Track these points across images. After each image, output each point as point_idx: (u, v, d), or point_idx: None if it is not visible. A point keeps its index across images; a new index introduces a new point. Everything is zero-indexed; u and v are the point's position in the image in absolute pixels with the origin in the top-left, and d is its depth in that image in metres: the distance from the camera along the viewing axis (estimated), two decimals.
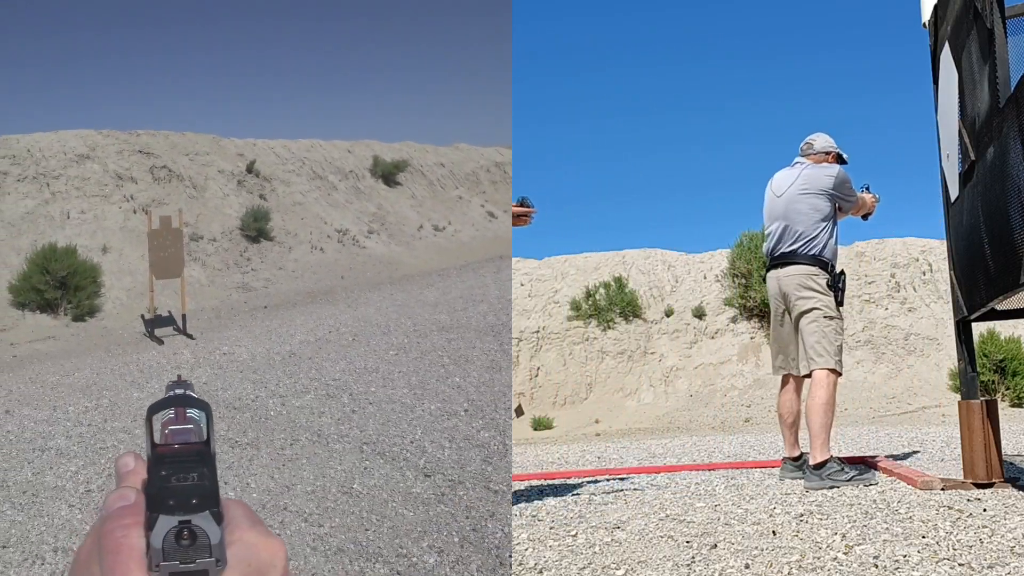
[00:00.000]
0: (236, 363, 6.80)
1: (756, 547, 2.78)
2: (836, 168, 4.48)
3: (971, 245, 3.59)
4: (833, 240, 4.42)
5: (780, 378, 4.61)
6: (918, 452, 5.85)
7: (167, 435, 0.58)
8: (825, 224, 4.39)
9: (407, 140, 20.11)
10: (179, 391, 0.66)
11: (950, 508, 3.21)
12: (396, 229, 15.79)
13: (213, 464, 0.56)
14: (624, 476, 5.08)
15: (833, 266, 4.38)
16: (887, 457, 5.20)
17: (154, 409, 0.58)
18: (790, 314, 4.45)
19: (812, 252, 4.36)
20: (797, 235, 4.41)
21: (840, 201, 4.46)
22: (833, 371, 4.28)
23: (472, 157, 21.31)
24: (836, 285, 4.34)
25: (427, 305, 9.14)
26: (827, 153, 4.61)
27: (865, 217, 4.77)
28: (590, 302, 16.37)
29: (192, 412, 0.59)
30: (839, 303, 4.34)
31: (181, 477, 0.54)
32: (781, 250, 4.45)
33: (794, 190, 4.44)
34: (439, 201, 18.13)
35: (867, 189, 4.74)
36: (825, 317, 4.29)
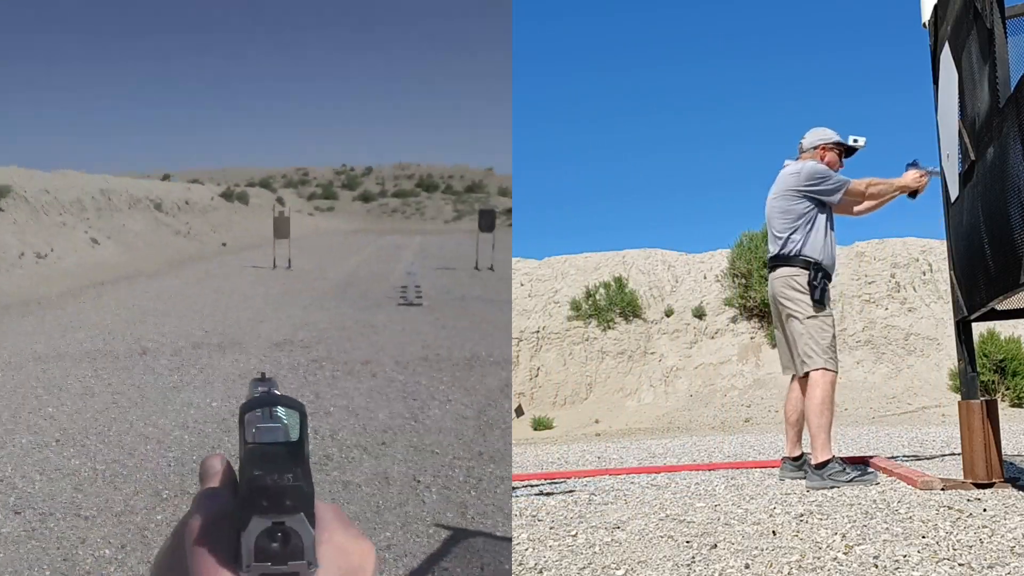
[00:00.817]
0: None
1: (756, 547, 2.78)
2: (803, 164, 4.43)
3: (971, 245, 3.59)
4: (816, 237, 4.34)
5: (789, 378, 4.61)
6: (918, 452, 5.85)
7: (255, 433, 0.56)
8: (800, 223, 4.33)
9: (12, 164, 20.03)
10: (264, 388, 0.65)
11: (950, 508, 3.21)
12: None
13: (307, 465, 0.55)
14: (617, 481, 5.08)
15: (817, 263, 4.31)
16: (887, 457, 5.20)
17: (247, 407, 0.57)
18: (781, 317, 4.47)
19: (792, 253, 4.34)
20: (777, 238, 4.42)
21: (816, 196, 4.36)
22: (827, 370, 4.23)
23: (77, 183, 21.11)
24: (812, 283, 4.27)
25: (23, 334, 8.84)
26: (816, 148, 4.53)
27: (912, 196, 4.55)
28: (590, 302, 16.38)
29: (280, 411, 0.57)
30: (818, 300, 4.25)
31: (276, 478, 0.52)
32: (770, 254, 4.50)
33: (772, 193, 4.48)
34: (42, 227, 17.85)
35: (914, 165, 4.53)
36: (808, 318, 4.26)
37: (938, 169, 4.43)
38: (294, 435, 0.56)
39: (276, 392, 0.63)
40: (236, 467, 0.58)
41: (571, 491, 4.46)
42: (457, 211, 55.47)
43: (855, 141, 4.60)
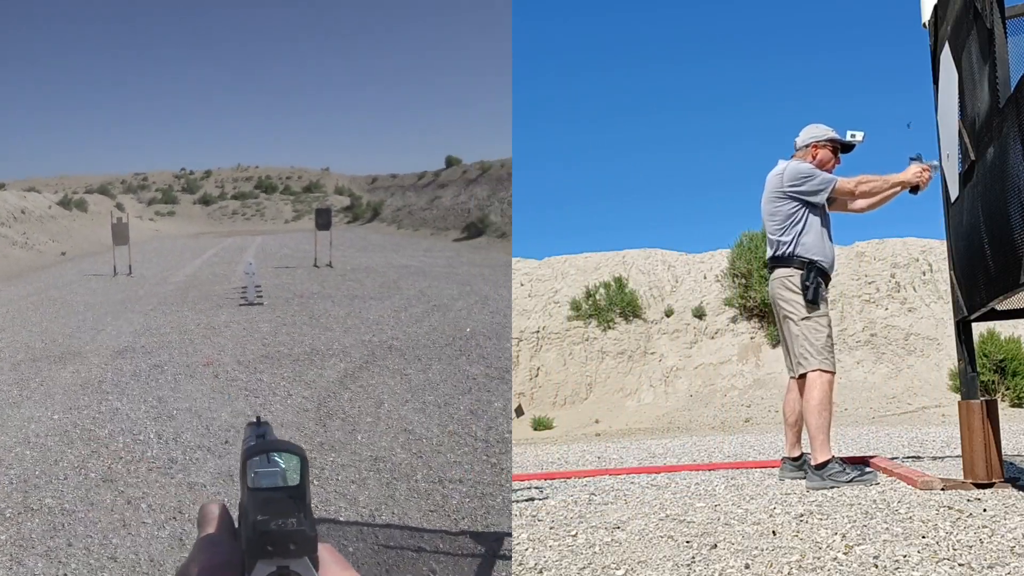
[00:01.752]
0: None
1: (756, 547, 2.78)
2: (787, 165, 4.40)
3: (971, 245, 3.59)
4: (810, 237, 4.30)
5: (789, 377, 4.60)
6: (918, 452, 5.85)
7: (254, 478, 0.58)
8: (789, 224, 4.31)
9: None
10: (261, 432, 0.66)
11: (950, 508, 3.21)
12: None
13: (310, 509, 0.56)
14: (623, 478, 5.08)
15: (812, 262, 4.27)
16: (887, 457, 5.20)
17: (249, 453, 0.58)
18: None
19: (786, 254, 4.31)
20: (771, 240, 4.41)
21: (800, 196, 4.31)
22: (823, 371, 4.21)
23: None
24: (805, 283, 4.23)
25: None
26: (808, 146, 4.48)
27: (914, 191, 4.43)
28: (590, 302, 16.38)
29: (278, 456, 0.59)
30: (811, 300, 4.22)
31: (280, 523, 0.53)
32: (767, 255, 4.49)
33: (763, 195, 4.45)
34: None
35: (917, 159, 4.39)
36: (802, 319, 4.24)
37: (934, 166, 4.34)
38: (294, 479, 0.57)
39: (273, 436, 0.64)
40: (235, 514, 0.60)
41: (571, 491, 4.46)
42: (296, 211, 56.52)
43: (852, 136, 4.49)
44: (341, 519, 3.78)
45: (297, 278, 15.68)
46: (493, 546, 3.57)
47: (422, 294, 12.60)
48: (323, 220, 18.67)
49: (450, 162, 45.67)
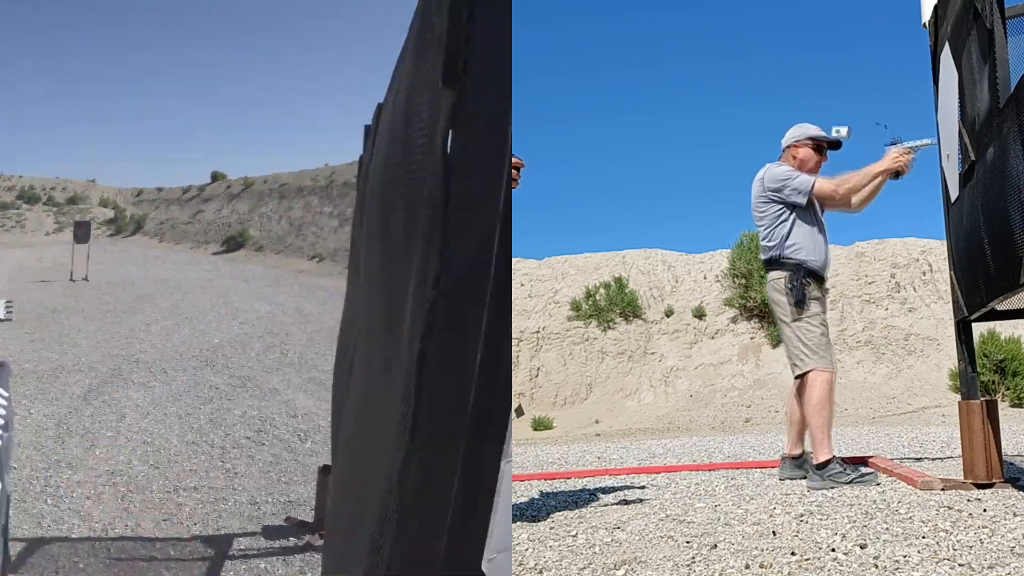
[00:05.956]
0: None
1: (756, 547, 2.78)
2: (767, 169, 4.39)
3: (971, 245, 3.59)
4: (798, 238, 4.26)
5: (790, 378, 4.60)
6: (918, 452, 5.85)
7: None
8: (775, 227, 4.30)
9: None
10: None
11: (950, 508, 3.21)
12: None
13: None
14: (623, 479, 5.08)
15: (800, 264, 4.24)
16: (888, 457, 5.20)
17: None
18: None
19: (774, 257, 4.31)
20: (762, 245, 4.42)
21: (781, 198, 4.29)
22: (820, 370, 4.20)
23: None
24: (791, 285, 4.21)
25: None
26: (788, 147, 4.45)
27: (896, 176, 4.34)
28: (590, 302, 16.37)
29: None
30: (799, 302, 4.19)
31: None
32: (761, 258, 4.52)
33: (751, 201, 4.46)
34: None
35: (894, 143, 4.31)
36: (794, 321, 4.24)
37: (925, 141, 4.22)
38: None
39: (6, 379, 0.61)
40: None
41: (571, 491, 4.46)
42: (59, 223, 55.62)
43: (837, 132, 4.41)
44: (73, 536, 3.84)
45: (52, 292, 15.73)
46: (222, 547, 3.68)
47: (175, 307, 12.83)
48: (82, 233, 18.96)
49: (215, 177, 46.53)
